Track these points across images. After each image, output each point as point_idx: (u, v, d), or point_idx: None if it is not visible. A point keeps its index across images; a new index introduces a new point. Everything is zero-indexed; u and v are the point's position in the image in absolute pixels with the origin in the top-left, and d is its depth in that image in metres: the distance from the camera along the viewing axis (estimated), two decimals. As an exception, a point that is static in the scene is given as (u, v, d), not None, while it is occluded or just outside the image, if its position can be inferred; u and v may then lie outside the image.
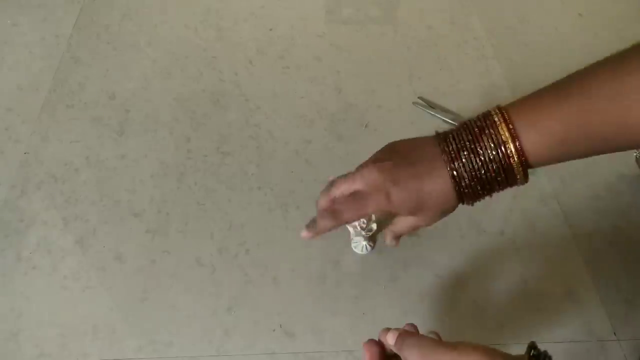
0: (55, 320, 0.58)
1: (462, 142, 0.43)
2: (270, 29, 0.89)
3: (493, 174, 0.43)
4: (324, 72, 0.82)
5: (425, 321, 0.57)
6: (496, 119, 0.42)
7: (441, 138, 0.46)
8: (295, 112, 0.77)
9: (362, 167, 0.49)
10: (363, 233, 0.60)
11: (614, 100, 0.39)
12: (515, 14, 0.91)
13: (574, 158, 0.45)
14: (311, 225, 0.47)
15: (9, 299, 0.59)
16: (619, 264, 0.62)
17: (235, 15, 0.91)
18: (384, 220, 0.59)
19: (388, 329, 0.42)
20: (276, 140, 0.73)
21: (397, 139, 0.76)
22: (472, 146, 0.43)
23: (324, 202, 0.49)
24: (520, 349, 0.56)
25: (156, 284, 0.60)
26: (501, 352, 0.36)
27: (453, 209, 0.47)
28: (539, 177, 0.69)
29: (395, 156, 0.48)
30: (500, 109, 0.43)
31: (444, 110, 0.76)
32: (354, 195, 0.46)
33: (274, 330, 0.57)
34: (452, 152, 0.43)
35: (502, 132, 0.42)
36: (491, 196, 0.47)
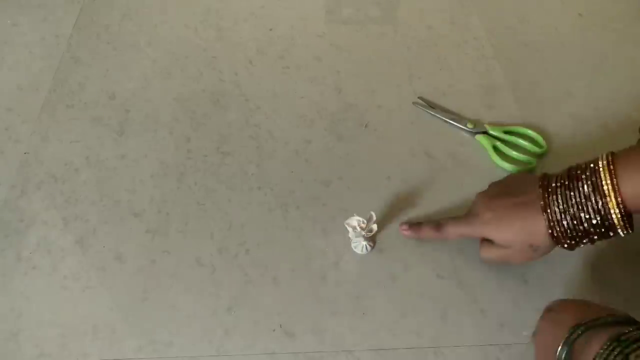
0: (55, 320, 0.58)
1: (562, 189, 0.46)
2: (270, 29, 0.89)
3: (592, 223, 0.44)
4: (324, 72, 0.82)
5: (425, 321, 0.57)
6: (601, 167, 0.44)
7: (544, 182, 0.49)
8: (295, 112, 0.77)
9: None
10: (363, 233, 0.59)
11: None
12: (515, 14, 0.91)
13: None
14: (415, 227, 0.57)
15: (9, 299, 0.59)
16: (618, 263, 0.62)
17: (235, 15, 0.91)
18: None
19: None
20: (276, 140, 0.73)
21: (397, 139, 0.76)
22: (572, 194, 0.45)
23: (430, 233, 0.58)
24: (521, 350, 0.56)
25: (156, 284, 0.60)
26: None
27: (549, 249, 0.50)
28: (539, 177, 0.69)
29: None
30: (608, 156, 0.44)
31: (444, 110, 0.76)
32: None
33: (274, 330, 0.57)
34: (551, 199, 0.46)
35: (604, 183, 0.43)
36: (593, 243, 0.48)
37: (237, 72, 0.82)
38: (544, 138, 0.72)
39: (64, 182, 0.69)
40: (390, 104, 0.78)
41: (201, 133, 0.74)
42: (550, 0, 0.95)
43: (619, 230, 0.44)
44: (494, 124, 0.74)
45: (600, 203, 0.42)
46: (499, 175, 0.69)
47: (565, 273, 0.61)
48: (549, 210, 0.45)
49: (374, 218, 0.60)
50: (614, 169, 0.42)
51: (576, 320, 0.40)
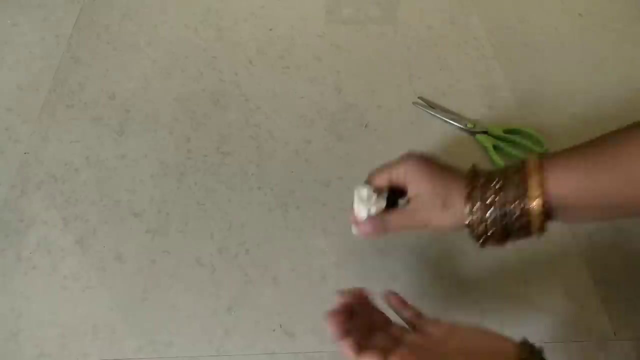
0: (55, 320, 0.58)
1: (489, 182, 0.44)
2: (270, 29, 0.89)
3: (512, 217, 0.43)
4: (324, 72, 0.82)
5: (425, 321, 0.57)
6: (531, 165, 0.43)
7: (471, 175, 0.46)
8: (295, 112, 0.77)
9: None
10: (369, 207, 0.52)
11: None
12: (515, 14, 0.91)
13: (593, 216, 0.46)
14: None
15: (9, 299, 0.59)
16: (619, 263, 0.62)
17: (235, 15, 0.91)
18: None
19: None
20: (276, 140, 0.73)
21: (397, 139, 0.76)
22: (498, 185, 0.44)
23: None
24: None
25: (156, 284, 0.60)
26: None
27: (458, 222, 0.46)
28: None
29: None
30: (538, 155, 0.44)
31: (444, 110, 0.76)
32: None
33: (274, 330, 0.57)
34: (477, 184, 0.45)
35: (530, 178, 0.42)
36: (504, 244, 0.47)
37: (237, 72, 0.82)
38: (544, 138, 0.72)
39: (64, 182, 0.69)
40: (390, 104, 0.78)
41: (201, 133, 0.74)
42: (550, 0, 0.95)
43: (533, 230, 0.44)
44: (494, 124, 0.74)
45: (523, 199, 0.42)
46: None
47: (565, 273, 0.61)
48: (472, 193, 0.44)
49: (386, 194, 0.53)
50: (542, 167, 0.42)
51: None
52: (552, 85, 0.80)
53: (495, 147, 0.71)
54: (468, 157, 0.71)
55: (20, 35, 0.88)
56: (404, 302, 0.49)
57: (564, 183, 0.41)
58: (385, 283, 0.60)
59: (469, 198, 0.44)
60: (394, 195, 0.53)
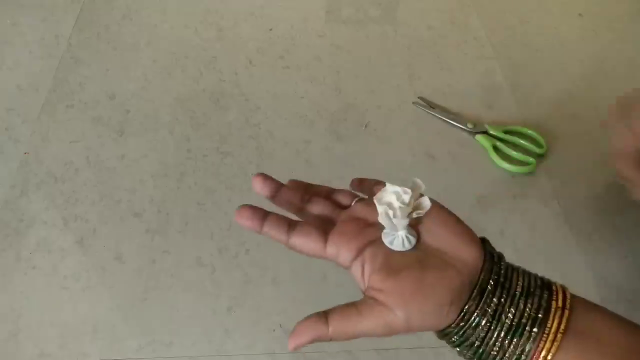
0: (55, 320, 0.58)
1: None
2: (270, 29, 0.89)
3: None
4: (323, 72, 0.82)
5: (425, 321, 0.57)
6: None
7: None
8: (295, 112, 0.77)
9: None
10: (408, 211, 0.35)
11: None
12: (515, 14, 0.91)
13: None
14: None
15: (9, 298, 0.59)
16: (619, 264, 0.62)
17: (235, 15, 0.91)
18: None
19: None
20: (276, 140, 0.73)
21: (397, 139, 0.76)
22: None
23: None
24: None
25: (156, 284, 0.60)
26: None
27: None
28: (539, 177, 0.69)
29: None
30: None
31: (444, 110, 0.76)
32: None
33: (274, 330, 0.57)
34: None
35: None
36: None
37: (237, 72, 0.82)
38: (544, 138, 0.72)
39: (64, 182, 0.69)
40: (390, 104, 0.78)
41: (201, 133, 0.74)
42: (551, 0, 0.95)
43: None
44: (494, 124, 0.74)
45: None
46: (499, 175, 0.70)
47: (565, 273, 0.61)
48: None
49: (422, 187, 0.37)
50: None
51: None
52: (552, 85, 0.80)
53: (495, 148, 0.71)
54: (468, 157, 0.71)
55: (20, 35, 0.88)
56: (361, 180, 0.41)
57: None
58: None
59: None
60: None
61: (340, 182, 0.69)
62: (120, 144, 0.73)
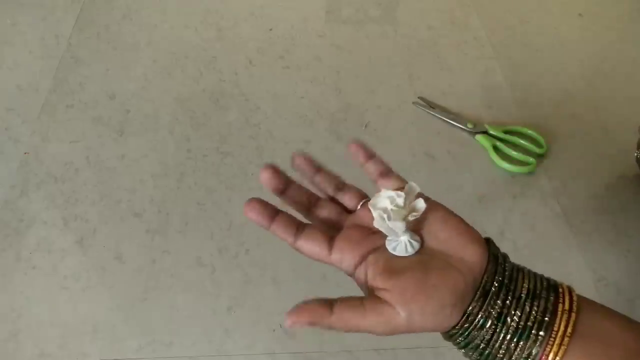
0: (55, 320, 0.58)
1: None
2: (270, 29, 0.89)
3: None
4: (323, 72, 0.82)
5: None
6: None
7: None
8: (295, 112, 0.77)
9: None
10: (404, 214, 0.34)
11: None
12: (515, 14, 0.91)
13: None
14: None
15: (9, 298, 0.59)
16: (619, 264, 0.62)
17: (235, 15, 0.91)
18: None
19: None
20: (276, 140, 0.73)
21: (397, 139, 0.76)
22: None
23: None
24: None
25: (156, 284, 0.60)
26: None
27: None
28: (539, 178, 0.69)
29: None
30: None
31: (444, 110, 0.76)
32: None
33: (274, 330, 0.57)
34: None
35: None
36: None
37: (237, 72, 0.82)
38: (544, 138, 0.72)
39: (64, 182, 0.69)
40: (390, 104, 0.78)
41: (201, 133, 0.74)
42: (551, 0, 0.95)
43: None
44: (494, 124, 0.74)
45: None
46: (499, 175, 0.70)
47: (565, 273, 0.61)
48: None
49: (417, 190, 0.37)
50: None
51: None
52: (552, 85, 0.80)
53: (495, 148, 0.71)
54: (468, 157, 0.71)
55: (20, 35, 0.88)
56: (369, 154, 0.40)
57: None
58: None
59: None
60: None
61: (340, 182, 0.69)
62: (121, 143, 0.73)
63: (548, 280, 0.33)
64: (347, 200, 0.39)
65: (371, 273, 0.34)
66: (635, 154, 0.69)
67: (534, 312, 0.31)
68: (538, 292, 0.32)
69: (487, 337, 0.31)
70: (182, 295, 0.59)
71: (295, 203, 0.39)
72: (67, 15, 0.91)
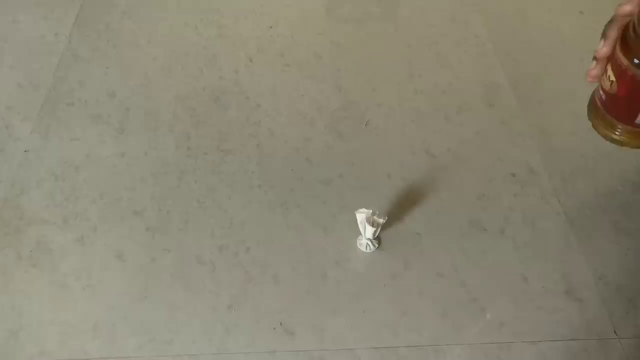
0: (55, 318, 0.58)
1: None
2: (271, 27, 0.89)
3: None
4: (324, 70, 0.82)
5: (425, 320, 0.57)
6: None
7: None
8: (295, 110, 0.77)
9: None
10: (366, 225, 0.59)
11: None
12: (516, 12, 0.91)
13: None
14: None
15: (9, 297, 0.59)
16: (620, 262, 0.62)
17: (235, 13, 0.91)
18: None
19: None
20: (276, 138, 0.73)
21: (398, 136, 0.76)
22: None
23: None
24: (521, 348, 0.56)
25: (156, 282, 0.60)
26: None
27: None
28: (540, 176, 0.69)
29: None
30: None
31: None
32: None
33: (274, 329, 0.57)
34: None
35: None
36: None
37: (238, 70, 0.82)
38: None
39: (64, 180, 0.69)
40: (390, 101, 0.78)
41: (201, 131, 0.74)
42: (551, -3, 0.94)
43: None
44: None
45: None
46: (496, 175, 0.69)
47: (565, 271, 0.61)
48: None
49: (376, 215, 0.60)
50: None
51: None
52: (552, 83, 0.80)
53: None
54: (468, 155, 0.71)
55: (20, 32, 0.88)
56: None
57: None
58: (386, 281, 0.60)
59: None
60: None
61: (341, 180, 0.69)
62: (121, 141, 0.73)
63: None
64: None
65: None
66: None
67: None
68: None
69: None
70: (183, 294, 0.59)
71: None
72: (67, 13, 0.91)
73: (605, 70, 0.37)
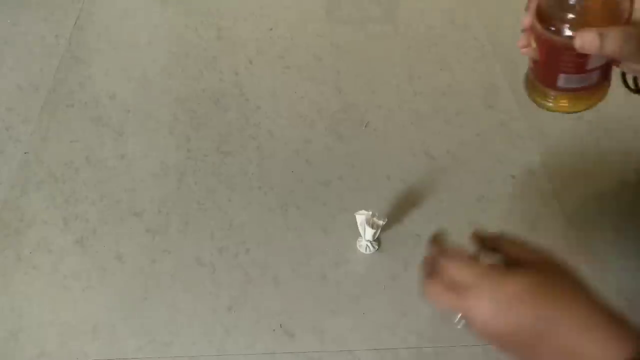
0: (55, 319, 0.58)
1: None
2: (271, 29, 0.89)
3: None
4: (324, 72, 0.82)
5: (425, 321, 0.57)
6: None
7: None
8: (295, 111, 0.77)
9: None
10: (366, 227, 0.59)
11: None
12: (515, 14, 0.91)
13: None
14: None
15: (9, 298, 0.59)
16: (619, 263, 0.62)
17: (235, 15, 0.91)
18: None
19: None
20: (276, 140, 0.73)
21: (397, 138, 0.76)
22: None
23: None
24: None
25: (156, 284, 0.60)
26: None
27: None
28: (539, 177, 0.69)
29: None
30: None
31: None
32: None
33: (274, 330, 0.57)
34: None
35: None
36: None
37: (238, 72, 0.82)
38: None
39: (64, 182, 0.69)
40: (390, 103, 0.78)
41: (201, 133, 0.74)
42: None
43: None
44: (494, 124, 0.73)
45: None
46: (496, 176, 0.69)
47: (565, 273, 0.61)
48: None
49: (376, 217, 0.60)
50: None
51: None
52: (552, 85, 0.80)
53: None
54: (468, 157, 0.71)
55: (21, 34, 0.88)
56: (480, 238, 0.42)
57: None
58: (386, 283, 0.60)
59: None
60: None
61: (341, 181, 0.69)
62: (121, 143, 0.73)
63: None
64: None
65: None
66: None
67: None
68: None
69: None
70: (182, 295, 0.59)
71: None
72: (68, 15, 0.91)
73: (530, 40, 0.40)
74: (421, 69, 0.82)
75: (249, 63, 0.83)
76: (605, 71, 0.39)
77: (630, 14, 0.35)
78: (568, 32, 0.35)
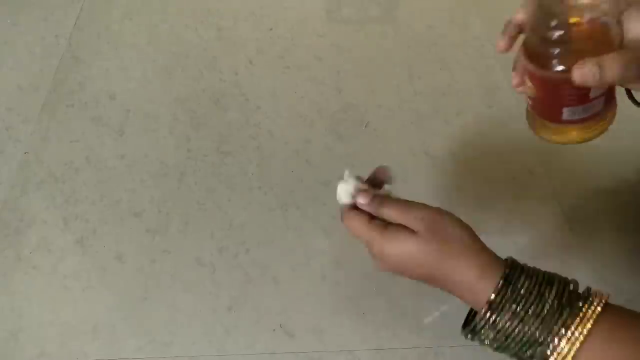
0: (55, 319, 0.58)
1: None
2: (271, 29, 0.89)
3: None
4: (324, 72, 0.82)
5: (425, 321, 0.57)
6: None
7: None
8: (295, 111, 0.77)
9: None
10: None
11: None
12: (514, 14, 0.91)
13: None
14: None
15: (9, 298, 0.59)
16: (619, 262, 0.62)
17: (235, 15, 0.91)
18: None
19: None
20: (276, 140, 0.73)
21: (397, 138, 0.76)
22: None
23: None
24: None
25: (156, 284, 0.60)
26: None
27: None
28: (539, 178, 0.69)
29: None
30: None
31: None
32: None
33: (274, 330, 0.57)
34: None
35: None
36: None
37: (238, 72, 0.82)
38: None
39: (64, 182, 0.69)
40: (390, 103, 0.78)
41: (201, 133, 0.74)
42: None
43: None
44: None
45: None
46: (496, 176, 0.69)
47: (565, 273, 0.61)
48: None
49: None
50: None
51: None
52: (552, 85, 0.80)
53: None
54: (468, 157, 0.71)
55: (21, 35, 0.88)
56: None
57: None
58: (385, 282, 0.60)
59: None
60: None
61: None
62: (121, 143, 0.73)
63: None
64: None
65: None
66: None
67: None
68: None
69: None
70: (182, 295, 0.59)
71: None
72: (68, 15, 0.91)
73: (524, 79, 0.39)
74: (421, 69, 0.82)
75: (249, 63, 0.83)
76: (609, 94, 0.37)
77: (622, 37, 0.34)
78: (563, 67, 0.34)
